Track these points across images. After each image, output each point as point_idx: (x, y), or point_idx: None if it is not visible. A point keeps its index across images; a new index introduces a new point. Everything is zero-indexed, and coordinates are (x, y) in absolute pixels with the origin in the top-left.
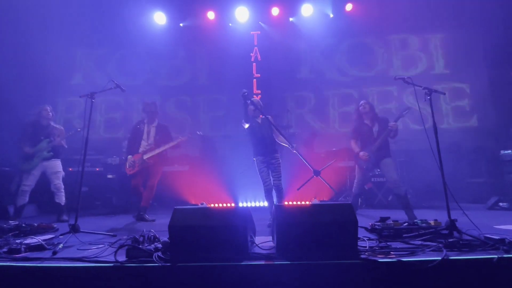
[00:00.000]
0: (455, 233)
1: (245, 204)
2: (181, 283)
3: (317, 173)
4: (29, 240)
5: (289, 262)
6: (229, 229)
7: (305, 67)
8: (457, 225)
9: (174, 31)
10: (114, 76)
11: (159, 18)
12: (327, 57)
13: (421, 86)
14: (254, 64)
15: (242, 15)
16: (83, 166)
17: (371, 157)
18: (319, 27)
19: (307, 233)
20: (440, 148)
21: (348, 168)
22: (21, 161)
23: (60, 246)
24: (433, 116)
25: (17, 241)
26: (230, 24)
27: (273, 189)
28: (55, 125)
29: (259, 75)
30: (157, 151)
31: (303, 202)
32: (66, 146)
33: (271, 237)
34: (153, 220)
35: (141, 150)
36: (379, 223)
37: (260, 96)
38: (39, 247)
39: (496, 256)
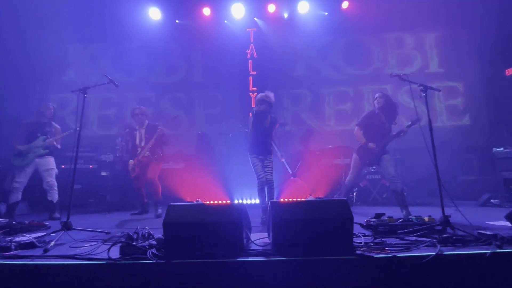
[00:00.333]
0: (449, 229)
1: (240, 202)
2: (175, 280)
3: (294, 175)
4: (19, 238)
5: (284, 258)
6: (224, 225)
7: (301, 64)
8: (450, 221)
9: (169, 27)
10: (108, 72)
11: (154, 13)
12: (323, 55)
13: (416, 83)
14: (250, 61)
15: (238, 11)
16: (75, 163)
17: (377, 151)
18: (315, 24)
19: (302, 229)
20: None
21: (343, 166)
22: (14, 157)
23: (52, 243)
24: (428, 113)
25: (7, 239)
26: (225, 21)
27: (265, 184)
28: (54, 124)
29: (255, 72)
30: (146, 147)
31: (298, 199)
32: (59, 147)
33: (266, 233)
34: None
35: (138, 153)
36: (374, 220)
37: (256, 93)
38: (30, 245)
39: (489, 251)
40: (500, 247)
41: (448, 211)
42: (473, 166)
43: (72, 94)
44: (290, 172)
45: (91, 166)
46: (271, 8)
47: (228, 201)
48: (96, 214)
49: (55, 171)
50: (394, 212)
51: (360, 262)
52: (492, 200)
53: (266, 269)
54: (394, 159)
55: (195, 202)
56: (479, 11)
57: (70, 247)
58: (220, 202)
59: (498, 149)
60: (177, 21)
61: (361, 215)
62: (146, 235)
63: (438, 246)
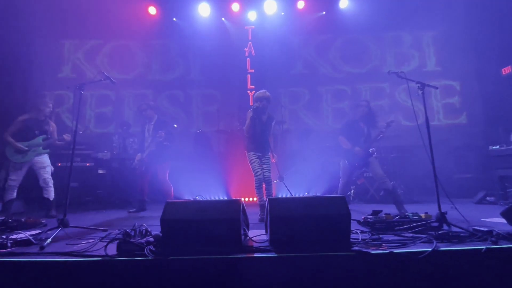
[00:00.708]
0: (445, 226)
1: (238, 199)
2: (173, 277)
3: (281, 178)
4: (15, 235)
5: (282, 255)
6: (222, 222)
7: (299, 62)
8: (446, 218)
9: (166, 24)
10: (105, 69)
11: (152, 10)
12: (321, 53)
13: (414, 81)
14: (248, 59)
15: (236, 9)
16: (72, 160)
17: (363, 154)
18: (313, 23)
19: (300, 226)
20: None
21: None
22: (13, 153)
23: (48, 241)
24: (425, 111)
25: (3, 236)
26: (222, 19)
27: (263, 181)
28: (51, 122)
29: (253, 70)
30: (150, 148)
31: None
32: (59, 143)
33: (264, 230)
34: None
35: (145, 148)
36: (371, 216)
37: (254, 91)
38: (26, 242)
39: (484, 247)
40: (495, 243)
41: (444, 208)
42: (469, 164)
43: (68, 92)
44: (278, 174)
45: (88, 164)
46: (268, 6)
47: (226, 198)
48: (93, 212)
49: (51, 168)
50: (391, 210)
51: (357, 258)
52: (487, 198)
53: (264, 266)
54: (390, 158)
55: (193, 199)
56: (476, 10)
57: (66, 244)
58: (218, 199)
59: (494, 147)
60: (174, 19)
61: (359, 212)
62: (144, 232)
63: (435, 242)
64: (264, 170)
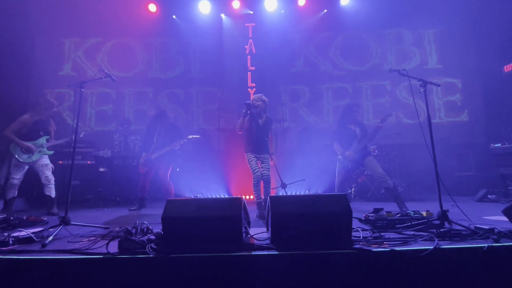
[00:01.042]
0: (446, 224)
1: (239, 196)
2: (174, 275)
3: (284, 185)
4: (17, 233)
5: (283, 253)
6: (223, 219)
7: (299, 60)
8: (448, 216)
9: (167, 22)
10: (105, 67)
11: (152, 8)
12: (322, 51)
13: (416, 78)
14: (249, 57)
15: (236, 6)
16: (73, 158)
17: (356, 157)
18: (314, 20)
19: (301, 224)
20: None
21: None
22: (20, 152)
23: (50, 238)
24: (427, 108)
25: (4, 233)
26: (222, 16)
27: (261, 180)
28: (52, 122)
29: (253, 68)
30: (162, 151)
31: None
32: (56, 142)
33: (265, 227)
34: None
35: (152, 148)
36: (372, 214)
37: (254, 89)
38: (28, 240)
39: (486, 244)
40: (497, 241)
41: (445, 206)
42: (471, 161)
43: (68, 90)
44: (281, 182)
45: (89, 162)
46: (269, 3)
47: (227, 196)
48: (94, 210)
49: (52, 166)
50: (392, 207)
51: (359, 255)
52: (489, 196)
53: (265, 263)
54: (391, 156)
55: (194, 197)
56: (477, 7)
57: (68, 242)
58: (219, 196)
59: (495, 145)
60: (174, 16)
61: (360, 210)
62: (145, 229)
63: (436, 240)
64: (263, 169)
